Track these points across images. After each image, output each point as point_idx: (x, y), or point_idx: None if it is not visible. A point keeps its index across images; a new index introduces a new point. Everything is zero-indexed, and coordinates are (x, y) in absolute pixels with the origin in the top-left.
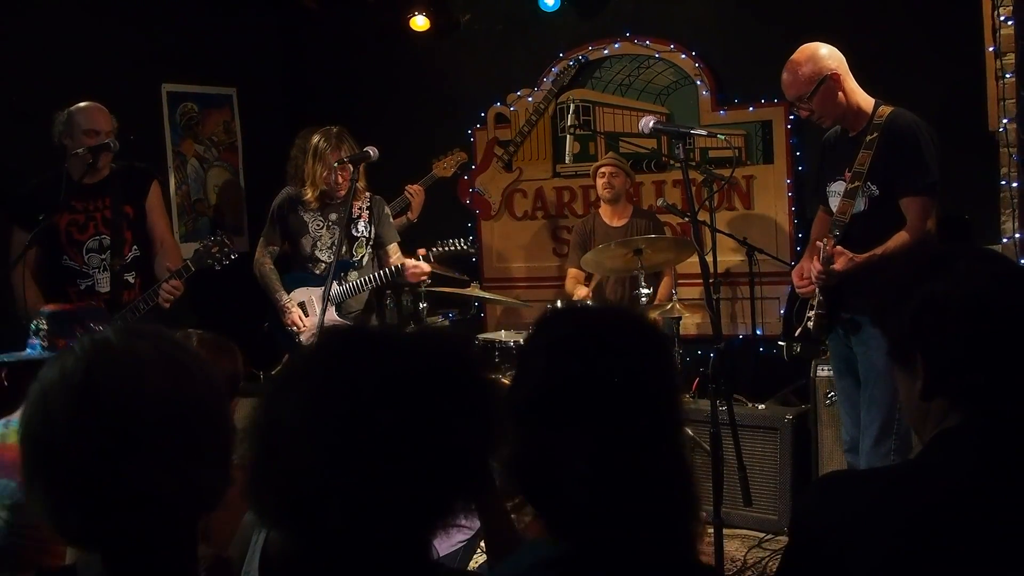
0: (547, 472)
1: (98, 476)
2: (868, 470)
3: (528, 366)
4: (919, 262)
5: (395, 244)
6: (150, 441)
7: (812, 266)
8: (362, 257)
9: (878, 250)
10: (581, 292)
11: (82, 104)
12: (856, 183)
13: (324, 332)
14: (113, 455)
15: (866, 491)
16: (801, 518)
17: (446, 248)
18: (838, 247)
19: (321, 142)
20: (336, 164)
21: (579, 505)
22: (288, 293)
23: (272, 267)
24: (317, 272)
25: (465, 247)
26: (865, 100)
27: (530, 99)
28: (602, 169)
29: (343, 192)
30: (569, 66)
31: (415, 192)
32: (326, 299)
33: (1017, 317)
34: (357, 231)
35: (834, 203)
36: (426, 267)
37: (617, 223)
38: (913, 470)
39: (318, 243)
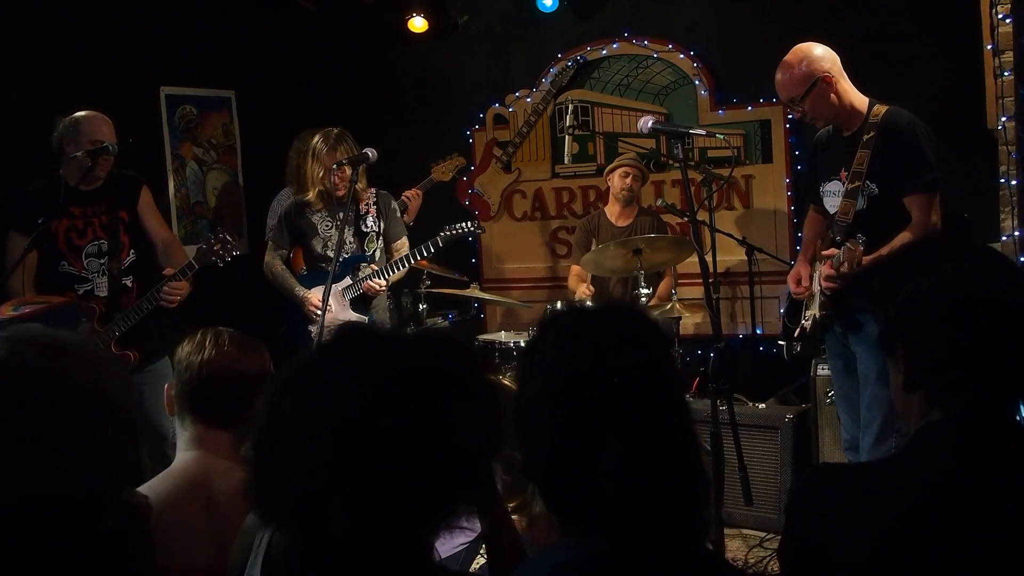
0: (565, 471)
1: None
2: (855, 464)
3: (536, 365)
4: (915, 255)
5: (403, 239)
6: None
7: (823, 270)
8: (374, 251)
9: (884, 250)
10: (582, 289)
11: (89, 113)
12: (856, 183)
13: (330, 332)
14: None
15: (849, 484)
16: (790, 508)
17: (454, 232)
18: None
19: (319, 143)
20: (335, 166)
21: (600, 502)
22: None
23: (283, 267)
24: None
25: (472, 227)
26: (859, 100)
27: (528, 100)
28: (626, 169)
29: (341, 192)
30: (567, 66)
31: (412, 196)
32: (326, 299)
33: (996, 320)
34: (367, 226)
35: (830, 203)
36: (377, 285)
37: (623, 223)
38: (895, 465)
39: (329, 243)
